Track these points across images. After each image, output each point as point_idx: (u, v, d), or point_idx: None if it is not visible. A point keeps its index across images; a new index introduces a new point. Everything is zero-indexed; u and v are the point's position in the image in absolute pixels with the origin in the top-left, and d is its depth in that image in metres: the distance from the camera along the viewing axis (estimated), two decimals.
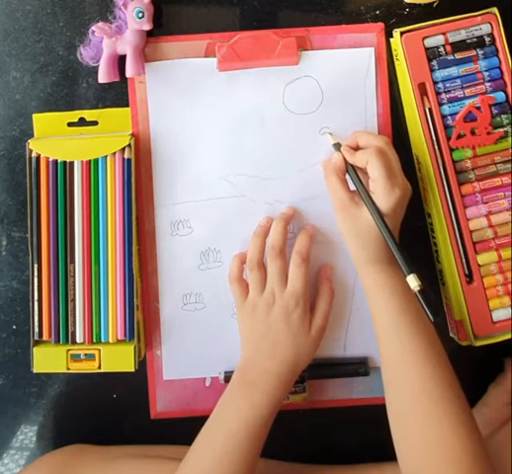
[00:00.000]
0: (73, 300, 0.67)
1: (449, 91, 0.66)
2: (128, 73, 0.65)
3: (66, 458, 0.69)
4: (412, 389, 0.59)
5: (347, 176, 0.64)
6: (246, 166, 0.68)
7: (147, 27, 0.65)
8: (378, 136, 0.64)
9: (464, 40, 0.65)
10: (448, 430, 0.57)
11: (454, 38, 0.65)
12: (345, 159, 0.64)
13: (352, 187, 0.63)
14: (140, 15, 0.64)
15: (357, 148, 0.64)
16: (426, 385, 0.58)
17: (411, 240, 0.66)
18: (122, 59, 0.66)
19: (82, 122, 0.68)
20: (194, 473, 0.60)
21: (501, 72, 0.66)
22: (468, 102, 0.65)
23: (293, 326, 0.64)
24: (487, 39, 0.65)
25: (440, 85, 0.65)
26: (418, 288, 0.59)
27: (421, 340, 0.60)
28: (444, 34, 0.65)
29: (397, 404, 0.60)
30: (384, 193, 0.60)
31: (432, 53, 0.65)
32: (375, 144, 0.62)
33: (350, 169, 0.63)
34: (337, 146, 0.65)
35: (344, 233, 0.64)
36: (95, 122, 0.68)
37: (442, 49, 0.65)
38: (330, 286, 0.67)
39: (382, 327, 0.62)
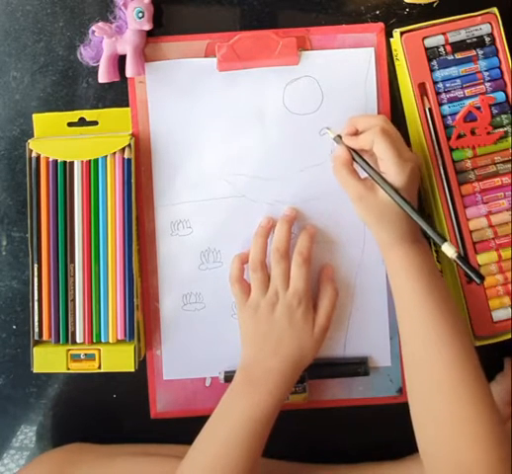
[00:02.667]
0: (73, 300, 0.67)
1: (449, 91, 0.66)
2: (128, 73, 0.65)
3: (65, 457, 0.69)
4: (434, 371, 0.58)
5: (355, 165, 0.64)
6: (246, 166, 0.68)
7: (147, 27, 0.65)
8: (375, 116, 0.64)
9: (464, 40, 0.65)
10: (472, 412, 0.56)
11: (454, 38, 0.65)
12: (349, 148, 0.63)
13: (361, 173, 0.63)
14: (140, 15, 0.64)
15: (356, 134, 0.64)
16: (449, 367, 0.58)
17: None
18: (122, 59, 0.66)
19: (82, 122, 0.68)
20: (196, 470, 0.60)
21: (501, 72, 0.66)
22: (468, 102, 0.65)
23: (296, 325, 0.64)
24: (487, 39, 0.65)
25: (440, 85, 0.66)
26: (456, 255, 0.58)
27: (446, 320, 0.59)
28: (444, 34, 0.65)
29: (419, 386, 0.60)
30: (397, 169, 0.60)
31: (432, 53, 0.65)
32: (376, 124, 0.62)
33: (356, 156, 0.63)
34: (338, 139, 0.65)
35: (366, 220, 0.64)
36: (95, 122, 0.68)
37: (442, 49, 0.65)
38: (333, 286, 0.67)
39: (405, 307, 0.62)
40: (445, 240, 0.60)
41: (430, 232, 0.60)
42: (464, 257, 0.58)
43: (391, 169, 0.60)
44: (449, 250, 0.59)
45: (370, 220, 0.63)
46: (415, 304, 0.61)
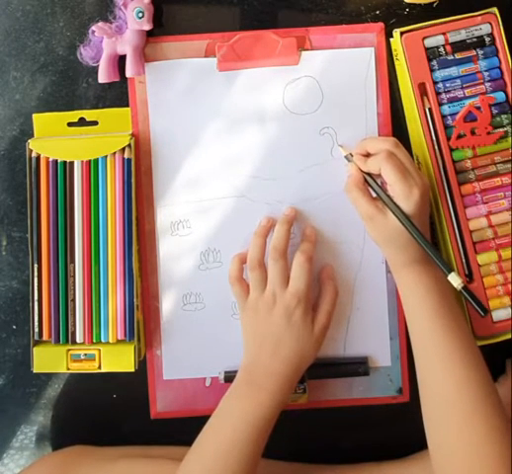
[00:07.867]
0: (73, 300, 0.67)
1: (449, 91, 0.66)
2: (128, 73, 0.66)
3: (66, 459, 0.69)
4: (447, 392, 0.58)
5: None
6: (246, 166, 0.68)
7: (147, 27, 0.65)
8: (385, 140, 0.64)
9: (464, 40, 0.65)
10: (483, 436, 0.56)
11: (454, 38, 0.65)
12: (360, 170, 0.64)
13: (374, 194, 0.63)
14: (140, 15, 0.64)
15: (367, 155, 0.64)
16: (461, 388, 0.58)
17: None
18: (122, 59, 0.66)
19: (82, 122, 0.68)
20: (196, 471, 0.60)
21: (501, 72, 0.66)
22: (468, 102, 0.65)
23: (294, 325, 0.64)
24: (487, 39, 0.65)
25: (440, 85, 0.66)
26: (461, 286, 0.59)
27: (457, 341, 0.59)
28: (444, 34, 0.65)
29: (432, 407, 0.59)
30: (404, 195, 0.60)
31: (432, 53, 0.65)
32: (383, 148, 0.62)
33: (368, 178, 0.63)
34: (349, 157, 0.65)
35: (376, 241, 0.64)
36: (95, 122, 0.68)
37: (442, 49, 0.65)
38: (333, 286, 0.67)
39: (417, 328, 0.62)
40: (451, 270, 0.59)
41: (438, 261, 0.60)
42: (469, 289, 0.59)
43: (399, 196, 0.60)
44: (455, 280, 0.59)
45: (379, 241, 0.64)
46: (426, 324, 0.61)
